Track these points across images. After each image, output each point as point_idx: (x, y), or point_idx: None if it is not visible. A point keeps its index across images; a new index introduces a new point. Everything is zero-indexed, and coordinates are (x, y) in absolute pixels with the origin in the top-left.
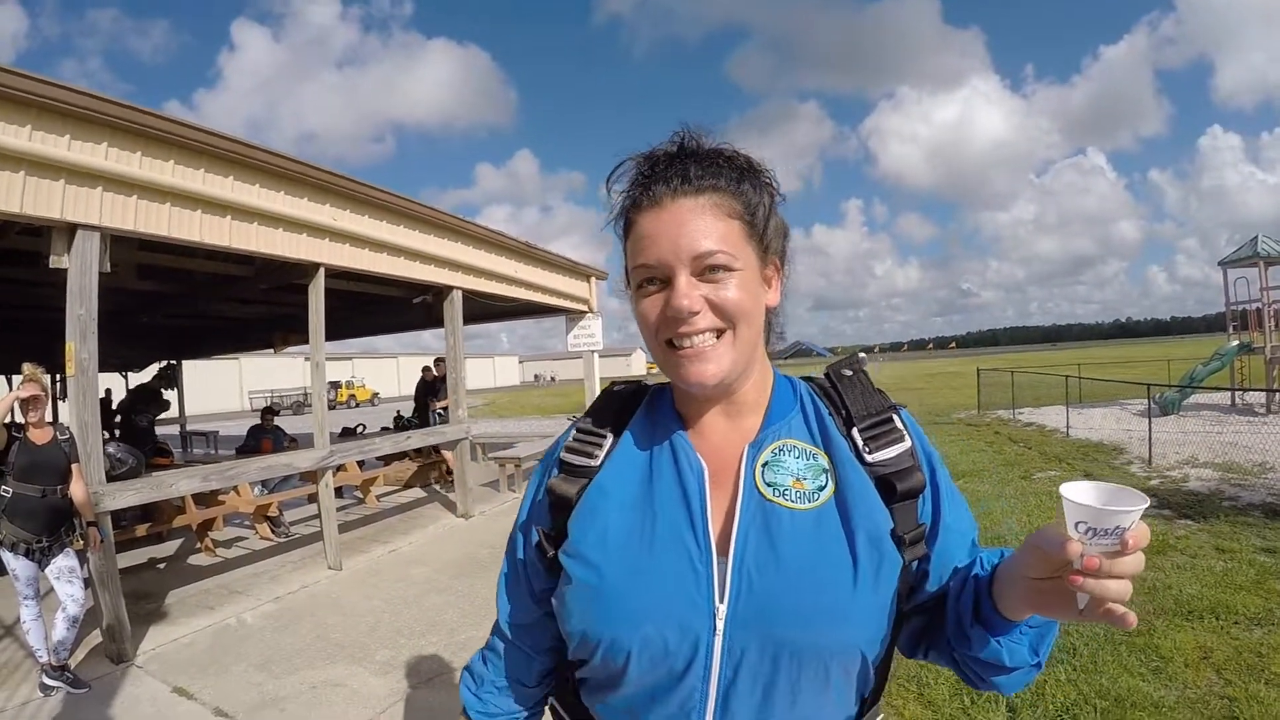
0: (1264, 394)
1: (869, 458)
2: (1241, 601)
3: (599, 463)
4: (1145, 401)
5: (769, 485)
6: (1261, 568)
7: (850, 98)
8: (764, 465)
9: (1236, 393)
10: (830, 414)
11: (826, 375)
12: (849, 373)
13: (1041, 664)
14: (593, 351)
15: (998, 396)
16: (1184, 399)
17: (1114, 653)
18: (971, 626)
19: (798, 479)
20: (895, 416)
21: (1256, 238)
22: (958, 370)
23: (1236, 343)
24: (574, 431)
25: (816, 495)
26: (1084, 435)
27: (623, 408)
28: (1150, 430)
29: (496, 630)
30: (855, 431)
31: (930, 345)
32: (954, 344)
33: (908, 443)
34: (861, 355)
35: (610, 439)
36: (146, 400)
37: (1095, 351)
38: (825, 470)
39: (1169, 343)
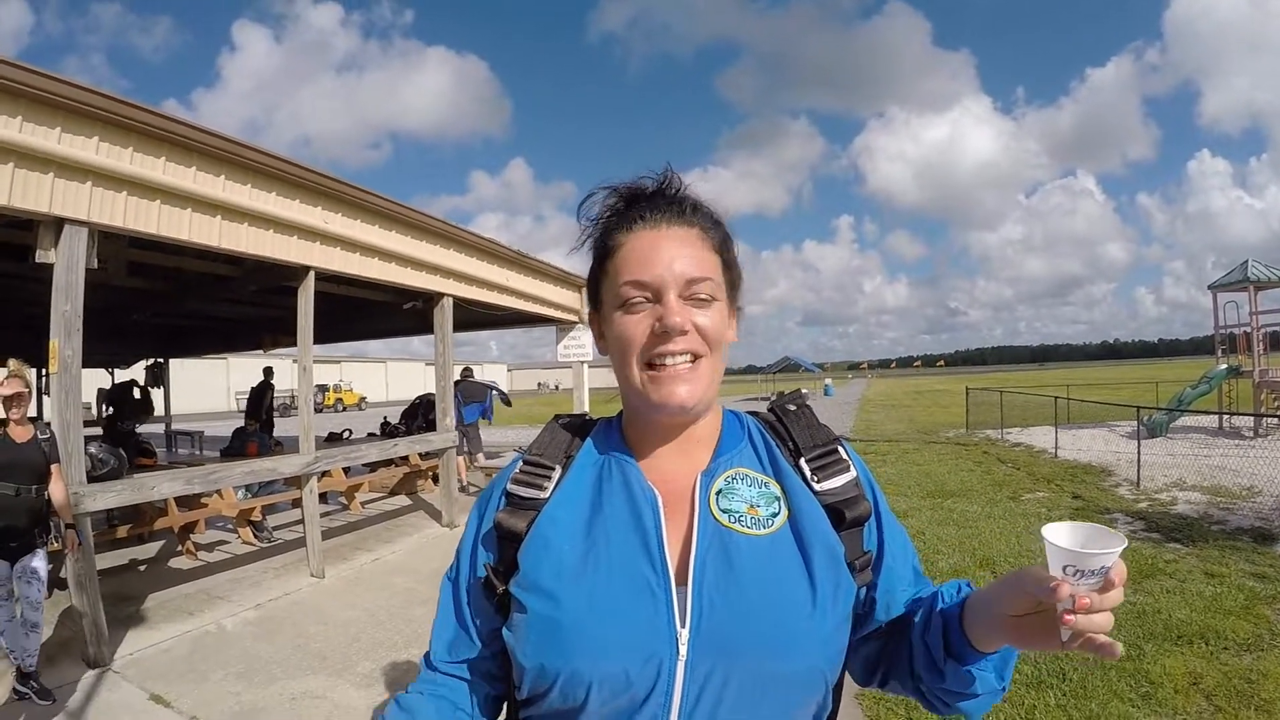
0: (1251, 418)
1: (817, 487)
2: (1231, 627)
3: (548, 494)
4: (1133, 423)
5: (724, 512)
6: (1251, 593)
7: (841, 116)
8: (718, 493)
9: (1224, 416)
10: (778, 446)
11: (771, 410)
12: (794, 407)
13: (1007, 687)
14: (582, 362)
15: (986, 416)
16: (1171, 421)
17: (1104, 678)
18: (945, 661)
19: (752, 505)
20: (840, 447)
21: (1247, 262)
22: (945, 388)
23: (1225, 366)
24: (520, 464)
25: (771, 521)
26: (1072, 456)
27: (570, 440)
28: (1139, 452)
29: (428, 663)
30: (803, 462)
31: (918, 363)
32: (942, 362)
33: (853, 473)
34: (805, 391)
35: (559, 471)
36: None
37: (1083, 372)
38: (778, 498)
39: (1156, 364)
